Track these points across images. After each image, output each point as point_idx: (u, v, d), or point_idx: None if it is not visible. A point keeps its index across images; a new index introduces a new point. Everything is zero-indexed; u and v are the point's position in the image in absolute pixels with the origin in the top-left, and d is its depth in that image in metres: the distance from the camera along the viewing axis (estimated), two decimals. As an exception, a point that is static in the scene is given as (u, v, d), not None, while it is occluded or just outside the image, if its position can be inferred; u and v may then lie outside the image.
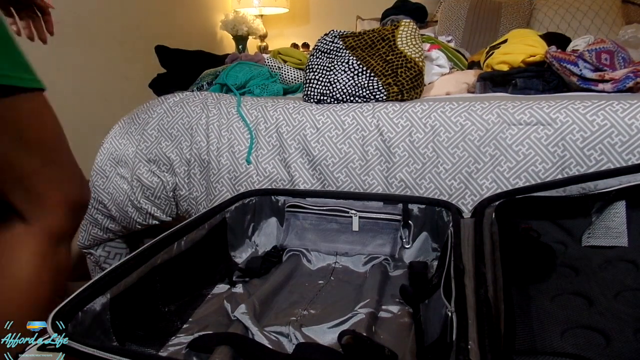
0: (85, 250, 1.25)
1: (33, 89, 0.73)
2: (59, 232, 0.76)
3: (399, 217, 0.89)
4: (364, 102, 1.07)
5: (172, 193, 1.14)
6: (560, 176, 0.84)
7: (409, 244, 0.89)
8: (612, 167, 0.81)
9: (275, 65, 1.42)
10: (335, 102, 1.09)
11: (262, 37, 2.81)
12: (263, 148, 1.07)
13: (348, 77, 1.09)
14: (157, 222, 1.20)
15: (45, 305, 0.73)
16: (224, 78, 1.26)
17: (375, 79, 1.07)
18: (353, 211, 0.91)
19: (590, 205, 0.73)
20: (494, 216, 0.74)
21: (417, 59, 1.08)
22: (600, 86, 0.99)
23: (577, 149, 0.83)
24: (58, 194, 0.76)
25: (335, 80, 1.09)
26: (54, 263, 0.75)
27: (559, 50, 1.15)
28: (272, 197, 0.97)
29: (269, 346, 0.60)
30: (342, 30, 1.21)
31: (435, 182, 0.93)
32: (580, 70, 1.02)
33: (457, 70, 1.37)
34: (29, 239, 0.75)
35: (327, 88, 1.10)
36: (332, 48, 1.16)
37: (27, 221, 0.75)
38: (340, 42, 1.16)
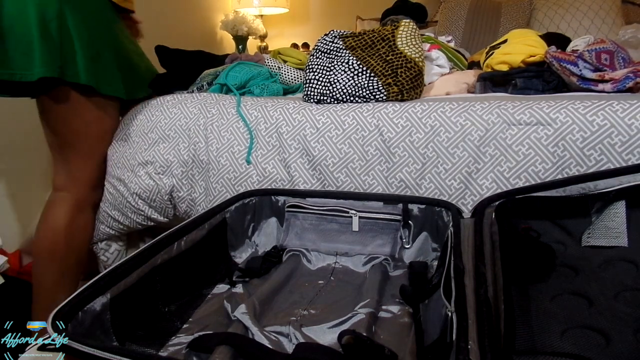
0: (92, 246, 1.27)
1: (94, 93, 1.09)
2: (84, 200, 1.17)
3: (399, 217, 0.89)
4: (364, 102, 1.07)
5: (167, 196, 1.14)
6: (560, 176, 0.84)
7: (409, 244, 0.90)
8: (612, 167, 0.81)
9: (275, 65, 1.42)
10: (335, 102, 1.09)
11: (262, 37, 2.81)
12: (263, 148, 1.07)
13: (348, 77, 1.09)
14: (154, 224, 1.20)
15: (76, 246, 1.16)
16: (224, 78, 1.26)
17: (375, 79, 1.07)
18: (353, 211, 0.91)
19: (590, 205, 0.73)
20: (494, 216, 0.74)
21: (417, 59, 1.08)
22: (600, 86, 0.99)
23: (577, 149, 0.83)
24: (79, 175, 1.15)
25: (335, 81, 1.09)
26: (81, 220, 1.17)
27: (559, 50, 1.15)
28: (272, 197, 0.97)
29: (269, 346, 0.60)
30: (342, 30, 1.21)
31: (435, 182, 0.93)
32: (580, 70, 1.02)
33: (457, 70, 1.37)
34: (65, 201, 1.14)
35: (327, 88, 1.10)
36: (332, 48, 1.16)
37: (65, 189, 1.15)
38: (340, 42, 1.16)
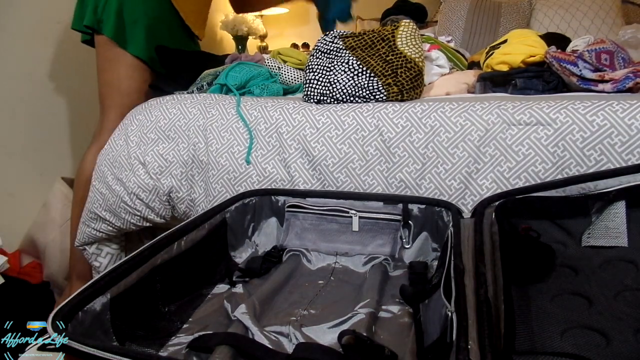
0: (80, 248, 1.26)
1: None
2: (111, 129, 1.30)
3: (399, 217, 0.89)
4: (364, 102, 1.07)
5: (166, 197, 1.14)
6: (560, 176, 0.84)
7: (409, 244, 0.89)
8: (612, 167, 0.81)
9: (275, 66, 1.42)
10: (335, 102, 1.09)
11: (262, 37, 2.81)
12: (263, 148, 1.07)
13: (348, 77, 1.09)
14: (149, 224, 1.20)
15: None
16: (224, 78, 1.26)
17: (375, 79, 1.07)
18: (353, 211, 0.91)
19: (590, 206, 0.73)
20: (494, 216, 0.74)
21: (417, 59, 1.08)
22: (600, 86, 0.99)
23: (577, 149, 0.83)
24: (112, 124, 1.31)
25: (335, 81, 1.09)
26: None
27: (559, 50, 1.15)
28: (272, 197, 0.97)
29: (269, 346, 0.60)
30: (342, 31, 1.21)
31: (435, 182, 0.93)
32: (580, 70, 1.02)
33: (457, 70, 1.37)
34: (94, 149, 1.32)
35: (327, 88, 1.10)
36: (332, 48, 1.16)
37: (96, 139, 1.36)
38: (340, 43, 1.16)
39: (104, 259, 1.27)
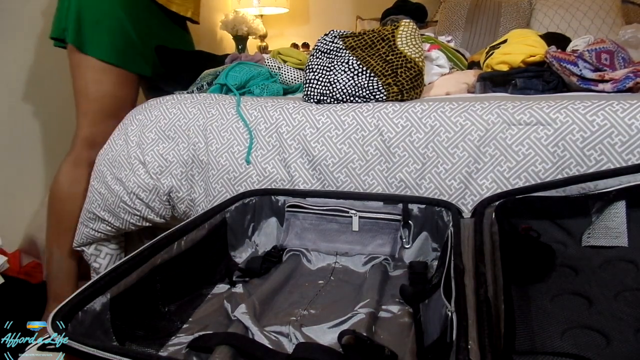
0: (78, 249, 1.26)
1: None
2: (79, 157, 1.29)
3: (399, 217, 0.89)
4: (364, 102, 1.07)
5: (166, 197, 1.14)
6: (560, 176, 0.84)
7: (409, 244, 0.89)
8: (612, 167, 0.81)
9: (275, 65, 1.42)
10: (335, 102, 1.09)
11: (262, 37, 2.81)
12: (263, 148, 1.07)
13: (348, 77, 1.09)
14: (149, 224, 1.20)
15: (68, 198, 1.29)
16: (224, 78, 1.26)
17: (375, 79, 1.07)
18: (353, 211, 0.91)
19: (590, 205, 0.73)
20: (494, 216, 0.74)
21: (417, 59, 1.08)
22: (600, 86, 0.99)
23: (577, 149, 0.83)
24: (82, 132, 1.29)
25: (335, 81, 1.09)
26: (76, 174, 1.29)
27: (559, 50, 1.15)
28: (272, 197, 0.97)
29: (269, 346, 0.60)
30: (342, 30, 1.21)
31: (435, 182, 0.93)
32: (580, 70, 1.02)
33: (457, 70, 1.37)
34: (67, 158, 1.30)
35: (327, 88, 1.10)
36: (332, 48, 1.16)
37: (72, 149, 1.30)
38: (340, 42, 1.16)
39: (104, 260, 1.26)
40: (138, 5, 1.34)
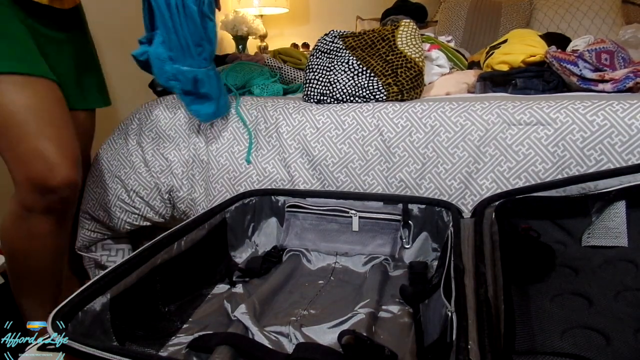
0: (84, 253, 1.24)
1: None
2: (26, 204, 0.91)
3: (399, 217, 0.89)
4: (364, 102, 1.07)
5: (167, 195, 1.14)
6: (560, 176, 0.84)
7: (409, 244, 0.90)
8: (612, 167, 0.81)
9: (275, 65, 1.42)
10: (335, 102, 1.09)
11: (262, 37, 2.80)
12: (263, 148, 1.07)
13: (348, 77, 1.09)
14: (148, 223, 1.19)
15: (19, 259, 0.96)
16: (224, 78, 1.26)
17: (375, 79, 1.07)
18: (353, 211, 0.91)
19: (590, 205, 0.73)
20: (494, 216, 0.74)
21: (417, 59, 1.08)
22: (600, 86, 0.99)
23: (577, 149, 0.83)
24: (20, 173, 0.89)
25: (335, 80, 1.09)
26: (25, 226, 0.93)
27: (559, 50, 1.15)
28: (272, 197, 0.97)
29: (269, 346, 0.60)
30: (342, 30, 1.21)
31: (435, 182, 0.93)
32: (580, 70, 1.02)
33: (457, 70, 1.37)
34: (12, 201, 0.93)
35: (327, 88, 1.10)
36: (332, 48, 1.16)
37: (15, 188, 0.92)
38: (340, 42, 1.16)
39: (117, 257, 1.25)
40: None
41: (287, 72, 1.43)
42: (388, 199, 0.91)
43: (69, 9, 1.05)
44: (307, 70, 1.15)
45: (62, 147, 0.91)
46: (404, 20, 1.17)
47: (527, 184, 0.86)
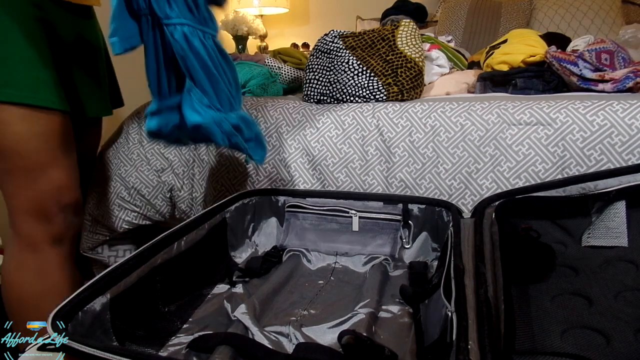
0: (89, 255, 1.23)
1: None
2: (31, 239, 0.85)
3: (399, 217, 0.89)
4: (364, 102, 1.07)
5: (169, 194, 1.14)
6: (560, 176, 0.84)
7: (409, 244, 0.89)
8: (612, 167, 0.81)
9: (275, 65, 1.42)
10: (335, 102, 1.09)
11: (262, 37, 2.80)
12: (263, 148, 1.07)
13: (348, 77, 1.09)
14: (148, 222, 1.19)
15: (30, 303, 0.87)
16: (224, 78, 1.26)
17: (375, 79, 1.07)
18: (353, 211, 0.91)
19: (590, 205, 0.73)
20: (494, 216, 0.74)
21: (417, 59, 1.08)
22: (600, 86, 0.99)
23: (577, 149, 0.83)
24: (18, 204, 0.84)
25: (335, 80, 1.09)
26: (34, 265, 0.85)
27: (559, 50, 1.15)
28: (272, 197, 0.97)
29: (269, 346, 0.60)
30: (342, 30, 1.21)
31: (435, 182, 0.93)
32: (580, 70, 1.02)
33: (457, 70, 1.37)
34: (12, 246, 0.87)
35: (327, 88, 1.10)
36: (332, 48, 1.16)
37: (11, 226, 0.86)
38: (340, 42, 1.16)
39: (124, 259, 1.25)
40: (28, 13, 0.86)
41: (287, 72, 1.43)
42: (388, 199, 0.91)
43: (83, 9, 0.99)
44: (307, 70, 1.15)
45: (69, 168, 0.90)
46: (404, 20, 1.17)
47: (527, 184, 0.86)
